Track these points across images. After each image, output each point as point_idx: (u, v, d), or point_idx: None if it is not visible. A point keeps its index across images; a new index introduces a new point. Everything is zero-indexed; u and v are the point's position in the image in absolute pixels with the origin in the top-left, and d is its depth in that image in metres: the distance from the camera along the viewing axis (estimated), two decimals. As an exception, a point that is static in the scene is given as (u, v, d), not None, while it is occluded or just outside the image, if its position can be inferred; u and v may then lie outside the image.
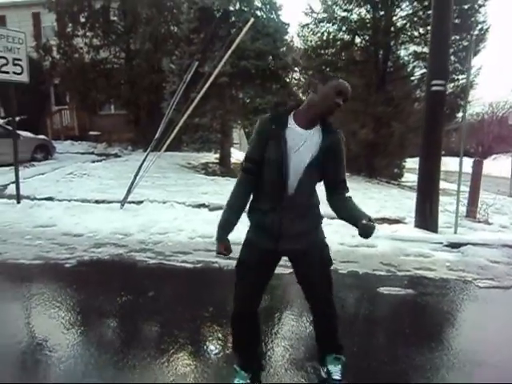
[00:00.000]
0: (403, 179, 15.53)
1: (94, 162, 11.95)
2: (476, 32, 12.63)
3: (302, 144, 1.97)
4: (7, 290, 3.84)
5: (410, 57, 13.49)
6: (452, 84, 13.04)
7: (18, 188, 6.89)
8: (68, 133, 17.22)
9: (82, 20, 14.19)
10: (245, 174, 2.06)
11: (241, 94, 10.25)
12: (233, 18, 9.92)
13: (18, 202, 6.89)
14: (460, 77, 13.10)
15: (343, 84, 1.96)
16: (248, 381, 2.22)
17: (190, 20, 9.81)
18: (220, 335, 3.03)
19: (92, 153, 14.73)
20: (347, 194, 2.11)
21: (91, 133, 17.29)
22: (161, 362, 2.61)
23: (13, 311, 3.37)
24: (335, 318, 2.29)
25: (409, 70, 13.80)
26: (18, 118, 15.71)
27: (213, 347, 2.86)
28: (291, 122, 1.99)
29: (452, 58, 13.08)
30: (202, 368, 2.56)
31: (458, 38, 12.80)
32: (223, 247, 2.09)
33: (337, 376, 2.24)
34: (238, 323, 2.20)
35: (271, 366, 2.60)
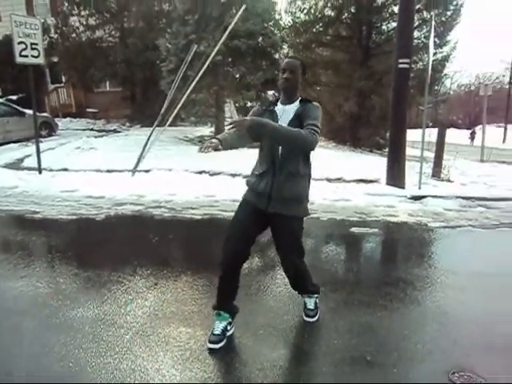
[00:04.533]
0: (387, 149, 16.54)
1: (96, 137, 12.73)
2: (452, 7, 13.42)
3: (282, 114, 2.47)
4: (57, 236, 4.82)
5: (392, 32, 14.24)
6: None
7: (39, 160, 7.74)
8: (65, 110, 17.86)
9: (77, -1, 14.67)
10: None
11: (233, 71, 11.04)
12: (224, -1, 10.60)
13: (40, 173, 7.77)
14: (438, 50, 13.95)
15: (282, 62, 2.55)
16: (230, 320, 2.61)
17: (183, 1, 10.48)
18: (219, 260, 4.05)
19: (91, 129, 15.45)
20: (309, 128, 2.29)
21: (88, 110, 17.96)
22: (179, 275, 3.66)
23: (69, 249, 4.36)
24: (303, 270, 2.71)
25: (391, 45, 14.56)
26: (15, 97, 16.44)
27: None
28: (278, 103, 2.54)
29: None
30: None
31: (435, 12, 13.57)
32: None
33: (310, 306, 2.87)
34: (223, 273, 2.52)
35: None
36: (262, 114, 2.49)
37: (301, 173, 2.48)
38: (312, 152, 2.45)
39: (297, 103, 2.51)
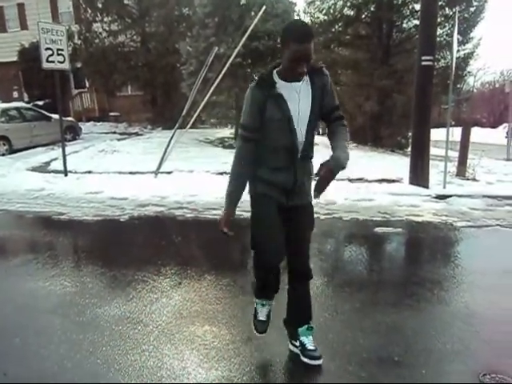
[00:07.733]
0: (408, 149, 16.27)
1: (119, 140, 12.96)
2: (475, 3, 13.12)
3: (298, 96, 2.03)
4: (83, 236, 4.93)
5: (413, 30, 14.02)
6: (453, 55, 13.59)
7: (65, 163, 7.95)
8: (88, 114, 18.29)
9: (99, 6, 14.97)
10: (246, 144, 2.11)
11: (253, 73, 11.06)
12: (243, 1, 10.65)
13: (66, 175, 7.97)
14: (461, 48, 13.65)
15: (300, 50, 1.89)
16: (273, 303, 2.50)
17: (204, 5, 10.58)
18: (241, 259, 4.06)
19: (114, 132, 15.76)
20: (341, 122, 2.16)
21: (111, 114, 18.33)
22: (202, 275, 3.68)
23: (94, 249, 4.45)
24: (309, 282, 2.41)
25: (412, 42, 14.33)
26: (42, 102, 16.90)
27: (234, 266, 3.91)
28: (277, 79, 2.03)
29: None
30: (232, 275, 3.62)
31: (458, 9, 13.29)
32: (227, 223, 2.25)
33: (311, 346, 2.34)
34: (265, 276, 2.33)
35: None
36: (265, 101, 2.02)
37: (313, 155, 2.24)
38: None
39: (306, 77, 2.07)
